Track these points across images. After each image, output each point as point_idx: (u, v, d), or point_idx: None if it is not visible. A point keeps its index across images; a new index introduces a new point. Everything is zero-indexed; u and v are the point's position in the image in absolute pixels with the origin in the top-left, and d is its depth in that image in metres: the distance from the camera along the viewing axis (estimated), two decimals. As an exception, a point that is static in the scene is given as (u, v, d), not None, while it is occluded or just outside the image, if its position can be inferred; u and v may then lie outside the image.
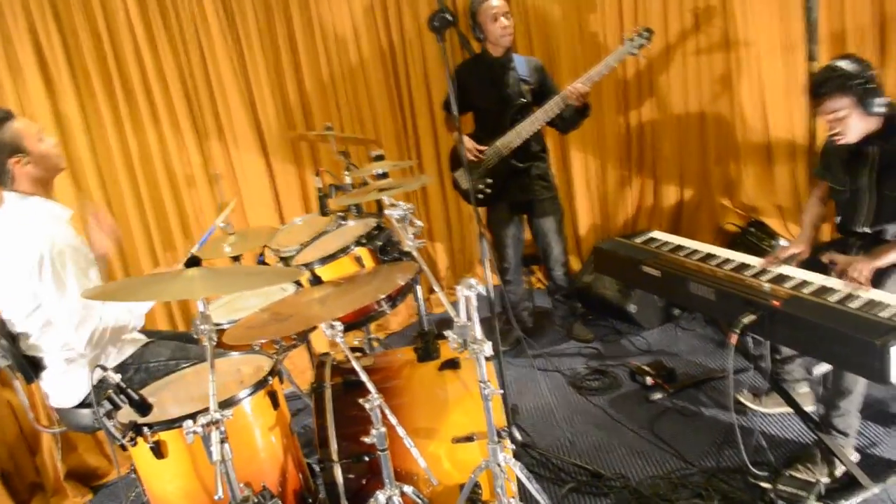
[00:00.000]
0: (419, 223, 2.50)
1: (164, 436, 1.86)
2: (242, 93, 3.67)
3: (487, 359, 1.89)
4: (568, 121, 3.47)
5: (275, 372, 2.04)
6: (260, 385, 1.97)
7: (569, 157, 4.45)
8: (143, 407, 1.85)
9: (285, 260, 2.71)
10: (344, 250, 2.38)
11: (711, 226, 4.02)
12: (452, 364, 2.31)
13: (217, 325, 2.46)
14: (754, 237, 3.70)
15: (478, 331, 1.88)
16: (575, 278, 4.03)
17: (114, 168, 3.35)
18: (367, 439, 1.90)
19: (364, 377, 1.97)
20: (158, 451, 1.85)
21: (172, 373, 2.17)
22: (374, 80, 4.12)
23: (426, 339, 2.41)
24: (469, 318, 1.85)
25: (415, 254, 2.09)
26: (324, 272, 2.42)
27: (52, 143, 2.32)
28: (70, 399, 2.33)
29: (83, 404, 2.34)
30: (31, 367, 2.28)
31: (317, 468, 2.14)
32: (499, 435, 2.17)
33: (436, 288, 2.04)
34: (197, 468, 1.89)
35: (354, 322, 2.49)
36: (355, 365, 1.97)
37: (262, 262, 2.85)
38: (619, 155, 4.32)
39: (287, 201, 3.80)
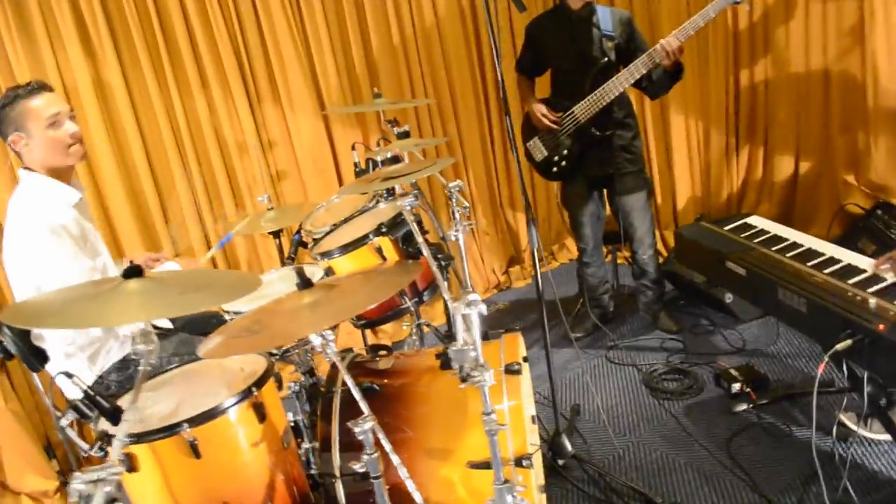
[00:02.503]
0: (466, 203, 2.28)
1: (134, 449, 1.68)
2: (301, 56, 3.47)
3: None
4: (657, 84, 3.02)
5: (264, 380, 1.82)
6: (243, 396, 1.76)
7: (668, 121, 3.94)
8: (114, 416, 1.68)
9: (316, 242, 2.50)
10: (362, 239, 2.11)
11: (831, 206, 3.44)
12: (478, 374, 2.00)
13: (237, 313, 2.31)
14: (881, 222, 3.11)
15: (480, 355, 1.55)
16: (666, 259, 3.58)
17: (159, 136, 3.24)
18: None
19: (357, 395, 1.71)
20: (129, 464, 1.68)
21: (166, 372, 2.00)
22: (452, 41, 3.81)
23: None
24: (468, 341, 1.52)
25: (424, 251, 1.78)
26: (343, 263, 2.19)
27: (69, 133, 2.19)
28: (76, 393, 2.22)
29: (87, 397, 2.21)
30: (37, 357, 2.18)
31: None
32: (519, 463, 1.87)
33: (446, 297, 1.74)
34: (170, 486, 1.71)
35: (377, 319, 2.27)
36: (348, 381, 1.72)
37: (298, 241, 2.64)
38: (725, 120, 3.78)
39: (348, 171, 3.58)
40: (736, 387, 2.78)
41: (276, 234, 2.87)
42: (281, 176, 3.54)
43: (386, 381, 2.11)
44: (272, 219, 2.72)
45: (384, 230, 2.12)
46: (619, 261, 3.87)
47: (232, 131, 3.38)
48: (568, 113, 3.14)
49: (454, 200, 2.34)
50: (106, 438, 1.70)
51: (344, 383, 2.14)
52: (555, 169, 3.31)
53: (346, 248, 2.16)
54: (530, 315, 3.86)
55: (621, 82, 2.99)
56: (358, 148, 2.64)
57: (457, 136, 4.01)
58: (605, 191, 3.37)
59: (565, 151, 3.24)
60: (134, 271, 1.40)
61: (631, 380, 3.08)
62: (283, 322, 1.69)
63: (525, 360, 2.39)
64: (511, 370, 2.02)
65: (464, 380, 1.52)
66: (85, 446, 1.70)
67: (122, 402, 1.87)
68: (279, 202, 3.53)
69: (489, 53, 4.00)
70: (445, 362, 2.10)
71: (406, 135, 2.28)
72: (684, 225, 3.10)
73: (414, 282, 2.21)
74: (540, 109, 3.18)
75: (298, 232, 2.70)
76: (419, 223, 2.22)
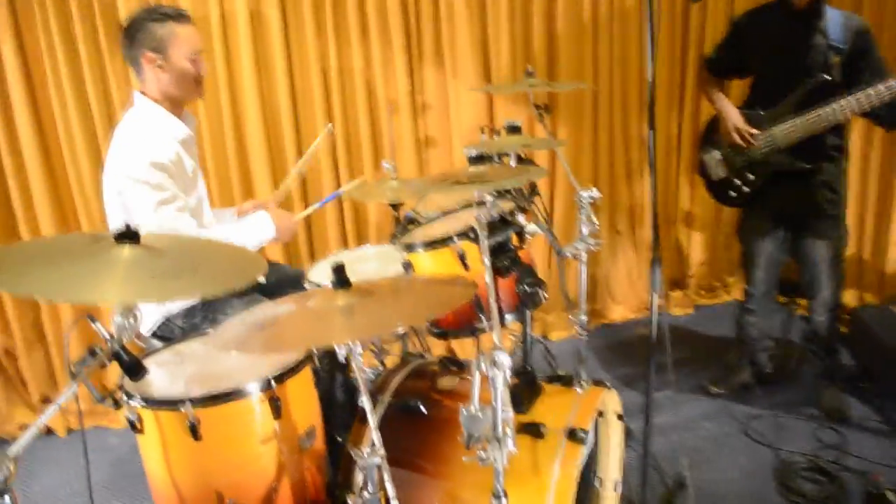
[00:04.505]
0: (595, 221, 2.08)
1: (142, 412, 1.62)
2: (473, 20, 3.25)
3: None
4: (896, 111, 2.44)
5: (291, 373, 1.69)
6: (260, 387, 1.62)
7: (890, 156, 3.27)
8: (134, 370, 1.60)
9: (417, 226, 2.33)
10: (445, 240, 1.89)
11: None
12: (534, 430, 1.75)
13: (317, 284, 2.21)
14: None
15: (498, 425, 1.25)
16: (845, 325, 2.99)
17: (308, 79, 3.16)
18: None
19: (372, 423, 1.49)
20: (136, 424, 1.64)
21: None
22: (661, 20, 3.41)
23: (521, 383, 1.91)
24: (484, 409, 1.23)
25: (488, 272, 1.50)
26: (425, 260, 1.98)
27: (200, 70, 2.24)
28: (145, 325, 2.27)
29: (155, 335, 2.27)
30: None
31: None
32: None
33: (486, 325, 1.46)
34: (168, 458, 1.64)
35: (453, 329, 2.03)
36: (366, 404, 1.49)
37: (409, 220, 2.46)
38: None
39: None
40: (891, 515, 2.20)
41: (396, 207, 2.69)
42: (429, 143, 3.38)
43: (438, 404, 1.90)
44: (394, 189, 2.55)
45: (472, 235, 1.85)
46: (791, 313, 3.28)
47: (385, 88, 3.25)
48: (766, 132, 2.63)
49: (583, 213, 2.08)
50: (121, 392, 1.65)
51: (394, 393, 1.95)
52: (733, 194, 2.82)
53: (430, 244, 1.95)
54: (675, 352, 3.41)
55: (848, 110, 2.44)
56: (487, 133, 2.36)
57: (629, 131, 3.58)
58: (790, 231, 2.83)
59: (751, 176, 2.75)
60: (128, 234, 1.26)
61: (763, 463, 2.59)
62: (305, 323, 1.51)
63: (620, 417, 2.07)
64: (575, 437, 1.69)
65: (467, 447, 1.24)
66: (97, 395, 1.64)
67: (151, 360, 1.85)
68: (422, 169, 3.36)
69: (695, 40, 3.52)
70: (517, 400, 1.82)
71: (516, 130, 1.98)
72: (866, 306, 2.48)
73: (498, 296, 1.93)
74: (734, 118, 2.71)
75: (411, 211, 2.52)
76: (519, 234, 1.92)
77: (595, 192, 2.08)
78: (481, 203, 1.61)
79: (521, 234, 1.92)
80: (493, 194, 1.85)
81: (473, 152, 1.80)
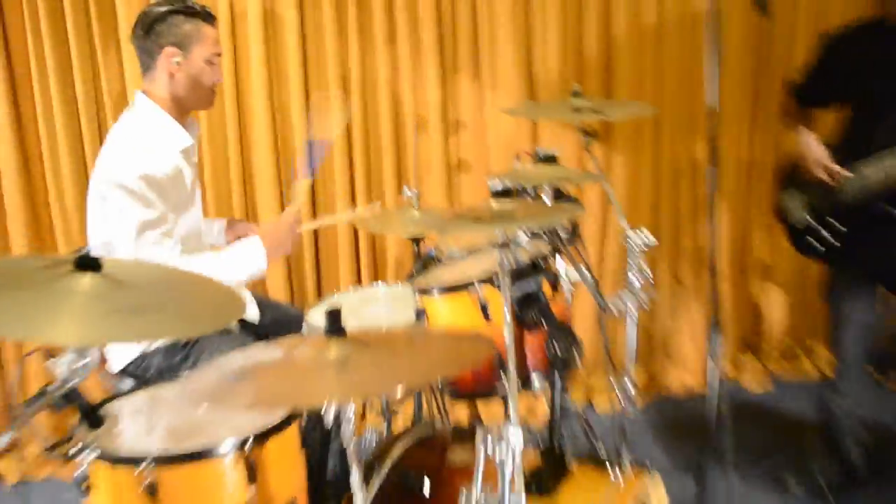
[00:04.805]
0: (647, 270, 2.08)
1: (94, 467, 1.63)
2: (517, 28, 3.28)
3: None
4: None
5: (273, 433, 1.69)
6: (233, 447, 1.63)
7: None
8: (90, 418, 1.63)
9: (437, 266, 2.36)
10: (466, 285, 1.90)
11: None
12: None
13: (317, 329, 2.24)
14: None
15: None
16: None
17: (325, 87, 3.22)
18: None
19: (360, 501, 1.48)
20: (83, 483, 1.65)
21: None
22: (733, 34, 3.36)
23: (546, 462, 1.93)
24: (490, 496, 1.21)
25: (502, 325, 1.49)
26: (441, 306, 2.00)
27: (217, 76, 2.34)
28: (115, 362, 2.32)
29: (127, 372, 2.30)
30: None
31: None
32: None
33: (513, 413, 1.43)
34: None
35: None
36: (355, 477, 1.49)
37: (429, 258, 2.48)
38: None
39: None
40: None
41: (417, 241, 2.71)
42: (461, 167, 3.40)
43: (446, 482, 1.89)
44: (415, 220, 2.57)
45: (496, 280, 1.85)
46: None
47: (413, 100, 3.30)
48: (858, 173, 2.59)
49: (633, 260, 2.09)
50: (73, 442, 1.66)
51: (395, 465, 1.94)
52: (817, 244, 2.76)
53: (448, 289, 1.96)
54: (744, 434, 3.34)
55: None
56: (523, 159, 2.37)
57: (698, 163, 3.57)
58: (889, 291, 2.81)
59: (839, 225, 2.69)
60: (88, 262, 1.28)
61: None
62: (289, 376, 1.51)
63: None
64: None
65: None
66: (45, 444, 1.67)
67: (118, 404, 1.87)
68: (451, 196, 3.39)
69: (779, 59, 3.49)
70: (529, 483, 1.80)
71: (550, 160, 1.98)
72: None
73: (525, 356, 1.93)
74: (820, 154, 2.67)
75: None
76: (553, 282, 1.92)
77: (647, 236, 2.07)
78: (504, 245, 1.59)
79: (555, 282, 1.93)
80: (525, 234, 1.85)
81: (499, 185, 1.81)
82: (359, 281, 3.36)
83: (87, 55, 3.01)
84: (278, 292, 3.30)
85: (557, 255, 2.09)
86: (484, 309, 1.86)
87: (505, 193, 1.85)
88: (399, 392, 1.75)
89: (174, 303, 1.34)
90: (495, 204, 1.68)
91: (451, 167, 3.39)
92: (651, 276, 2.10)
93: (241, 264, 2.30)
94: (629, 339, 2.15)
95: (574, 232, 2.19)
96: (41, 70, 3.00)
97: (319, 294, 3.37)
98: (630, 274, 2.07)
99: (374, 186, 3.34)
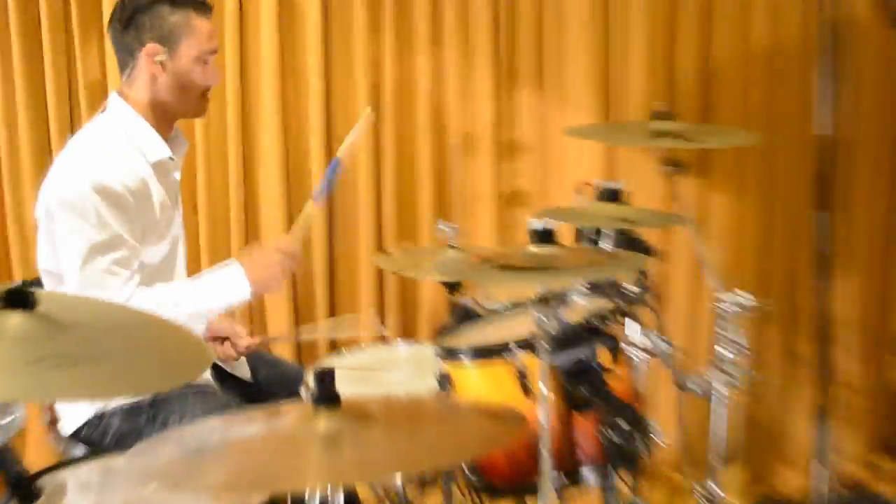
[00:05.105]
0: (742, 341, 2.01)
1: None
2: (594, 35, 3.23)
3: None
4: None
5: None
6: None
7: None
8: (24, 491, 1.61)
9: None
10: (501, 349, 1.88)
11: None
12: None
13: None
14: None
15: None
16: None
17: (351, 96, 3.22)
18: None
19: None
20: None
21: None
22: (867, 52, 3.26)
23: None
24: None
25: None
26: (472, 375, 1.99)
27: (212, 79, 2.34)
28: (66, 423, 2.31)
29: (79, 436, 2.28)
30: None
31: None
32: None
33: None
34: None
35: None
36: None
37: (465, 310, 2.45)
38: None
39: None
40: None
41: (453, 288, 2.66)
42: (516, 199, 3.36)
43: None
44: (451, 262, 2.52)
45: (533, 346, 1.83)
46: None
47: (459, 114, 3.26)
48: None
49: (724, 328, 2.02)
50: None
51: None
52: None
53: (481, 352, 1.95)
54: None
55: None
56: (584, 192, 2.32)
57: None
58: None
59: None
60: (19, 296, 1.24)
61: None
62: (265, 452, 1.45)
63: None
64: None
65: None
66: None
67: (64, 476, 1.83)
68: (503, 234, 3.33)
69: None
70: None
71: (611, 196, 1.93)
72: None
73: (572, 442, 1.87)
74: None
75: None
76: (613, 350, 1.88)
77: (744, 297, 2.02)
78: (544, 301, 1.54)
79: (615, 350, 1.89)
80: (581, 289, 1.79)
81: (539, 225, 1.76)
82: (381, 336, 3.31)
83: (62, 44, 3.04)
84: (282, 347, 3.27)
85: (626, 318, 2.06)
86: (523, 380, 1.83)
87: (545, 236, 1.80)
88: (397, 478, 1.68)
89: (122, 352, 1.28)
90: (534, 248, 1.65)
91: (504, 199, 3.34)
92: (749, 347, 2.04)
93: (216, 292, 2.27)
94: (716, 428, 2.09)
95: (647, 289, 2.16)
96: (4, 59, 3.04)
97: (334, 348, 3.32)
98: (719, 345, 2.02)
99: (406, 219, 3.32)
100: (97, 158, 2.19)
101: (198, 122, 3.11)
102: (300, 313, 3.33)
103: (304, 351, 3.32)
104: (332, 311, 3.34)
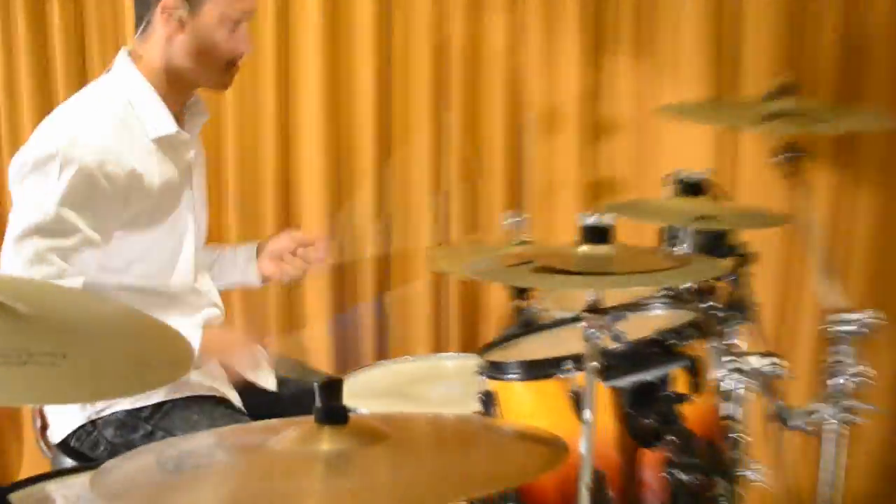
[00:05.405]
0: (866, 371, 2.08)
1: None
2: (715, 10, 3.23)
3: None
4: None
5: None
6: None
7: None
8: None
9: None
10: (552, 365, 1.88)
11: None
12: None
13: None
14: None
15: None
16: None
17: (413, 58, 3.29)
18: None
19: None
20: None
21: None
22: None
23: None
24: None
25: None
26: (521, 394, 2.02)
27: (242, 47, 2.36)
28: (55, 430, 2.38)
29: (67, 446, 2.36)
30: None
31: None
32: None
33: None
34: None
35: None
36: None
37: (530, 316, 2.50)
38: None
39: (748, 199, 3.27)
40: None
41: (521, 292, 2.70)
42: (609, 187, 3.37)
43: None
44: (484, 261, 2.57)
45: (599, 363, 1.82)
46: None
47: (542, 87, 3.29)
48: None
49: (839, 353, 2.05)
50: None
51: None
52: None
53: (530, 369, 1.96)
54: None
55: None
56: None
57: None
58: None
59: None
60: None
61: None
62: (256, 475, 1.49)
63: None
64: None
65: None
66: None
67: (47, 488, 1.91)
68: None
69: None
70: None
71: (693, 189, 1.93)
72: None
73: (638, 482, 1.86)
74: None
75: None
76: (692, 373, 1.89)
77: (868, 316, 2.03)
78: (594, 311, 1.56)
79: (695, 374, 1.88)
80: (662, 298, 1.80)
81: (591, 220, 1.78)
82: (436, 344, 3.38)
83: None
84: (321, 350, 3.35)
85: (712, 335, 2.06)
86: (577, 400, 1.82)
87: (598, 233, 1.81)
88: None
89: (87, 347, 1.32)
90: (585, 248, 1.65)
91: (590, 188, 3.37)
92: (871, 377, 2.06)
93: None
94: (826, 471, 2.12)
95: (741, 301, 2.13)
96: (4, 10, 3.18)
97: (382, 355, 3.37)
98: (832, 374, 2.04)
99: (469, 207, 3.37)
100: (80, 126, 2.24)
101: (229, 95, 3.15)
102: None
103: (339, 359, 3.40)
104: (383, 310, 3.41)
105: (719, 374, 2.06)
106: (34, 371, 1.25)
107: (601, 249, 1.72)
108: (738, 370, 2.05)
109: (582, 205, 3.33)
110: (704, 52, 3.27)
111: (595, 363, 1.65)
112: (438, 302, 3.41)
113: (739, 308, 2.19)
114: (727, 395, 2.06)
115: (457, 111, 3.30)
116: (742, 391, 2.13)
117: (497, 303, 3.37)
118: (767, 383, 2.14)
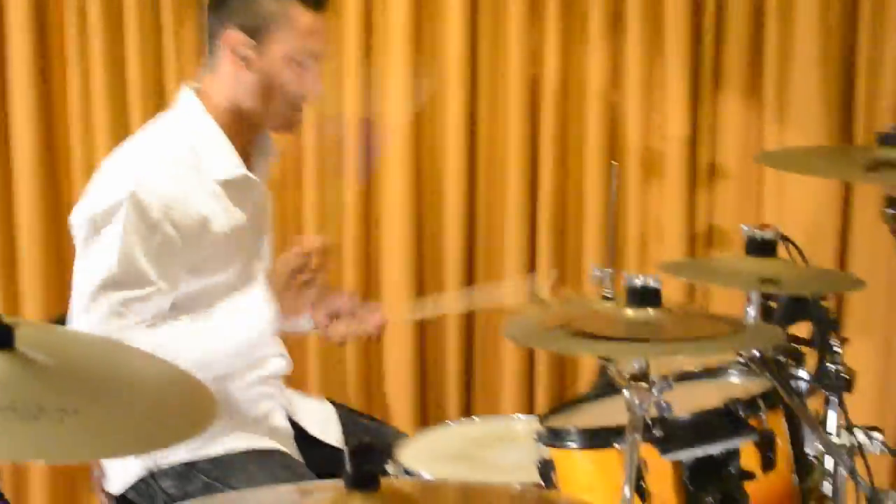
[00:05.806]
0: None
1: None
2: (836, 39, 3.19)
3: None
4: None
5: None
6: None
7: None
8: None
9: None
10: (615, 432, 1.88)
11: None
12: None
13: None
14: None
15: None
16: None
17: (502, 95, 3.32)
18: None
19: None
20: None
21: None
22: None
23: None
24: None
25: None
26: (582, 462, 2.04)
27: (311, 87, 2.42)
28: (113, 481, 2.45)
29: (125, 499, 2.43)
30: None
31: None
32: None
33: None
34: None
35: None
36: None
37: (606, 380, 2.51)
38: None
39: (860, 257, 3.26)
40: None
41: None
42: (717, 239, 3.36)
43: None
44: (523, 324, 2.58)
45: (665, 440, 1.84)
46: None
47: (641, 125, 3.30)
48: None
49: None
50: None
51: None
52: None
53: (591, 437, 1.98)
54: None
55: None
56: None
57: None
58: None
59: None
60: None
61: None
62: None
63: None
64: None
65: None
66: None
67: None
68: (693, 290, 3.35)
69: None
70: None
71: (760, 248, 1.93)
72: None
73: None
74: None
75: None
76: (765, 448, 1.89)
77: None
78: (639, 377, 1.58)
79: (768, 449, 1.88)
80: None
81: (637, 282, 1.78)
82: (529, 404, 3.38)
83: (153, 28, 3.30)
84: (402, 403, 3.40)
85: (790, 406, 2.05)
86: (638, 476, 1.80)
87: (647, 296, 1.81)
88: None
89: (102, 402, 1.37)
90: (630, 311, 1.68)
91: (696, 239, 3.35)
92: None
93: (232, 322, 2.35)
94: None
95: (824, 373, 2.14)
96: (82, 45, 3.32)
97: (468, 412, 3.42)
98: None
99: (567, 257, 3.38)
100: (144, 172, 2.30)
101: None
102: (426, 360, 3.48)
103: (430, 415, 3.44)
104: (470, 362, 3.46)
105: (807, 449, 2.05)
106: (43, 427, 1.30)
107: (646, 314, 1.72)
108: (818, 446, 2.02)
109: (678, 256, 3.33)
110: (825, 96, 3.24)
111: (636, 436, 1.65)
112: (528, 358, 3.42)
113: (828, 378, 2.16)
114: (807, 472, 2.04)
115: (549, 151, 3.33)
116: (831, 469, 2.11)
117: (590, 361, 3.37)
118: (842, 460, 2.11)
